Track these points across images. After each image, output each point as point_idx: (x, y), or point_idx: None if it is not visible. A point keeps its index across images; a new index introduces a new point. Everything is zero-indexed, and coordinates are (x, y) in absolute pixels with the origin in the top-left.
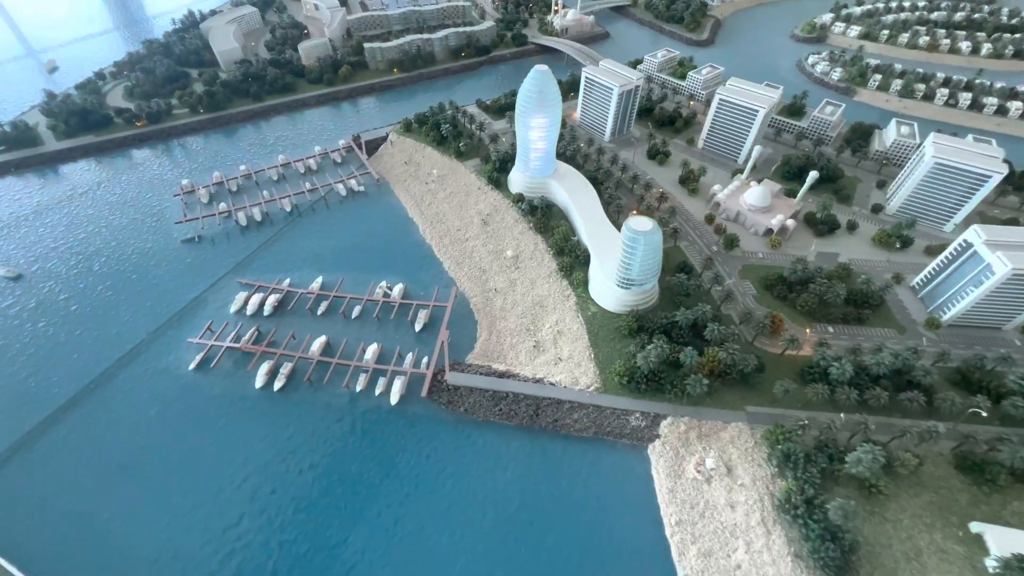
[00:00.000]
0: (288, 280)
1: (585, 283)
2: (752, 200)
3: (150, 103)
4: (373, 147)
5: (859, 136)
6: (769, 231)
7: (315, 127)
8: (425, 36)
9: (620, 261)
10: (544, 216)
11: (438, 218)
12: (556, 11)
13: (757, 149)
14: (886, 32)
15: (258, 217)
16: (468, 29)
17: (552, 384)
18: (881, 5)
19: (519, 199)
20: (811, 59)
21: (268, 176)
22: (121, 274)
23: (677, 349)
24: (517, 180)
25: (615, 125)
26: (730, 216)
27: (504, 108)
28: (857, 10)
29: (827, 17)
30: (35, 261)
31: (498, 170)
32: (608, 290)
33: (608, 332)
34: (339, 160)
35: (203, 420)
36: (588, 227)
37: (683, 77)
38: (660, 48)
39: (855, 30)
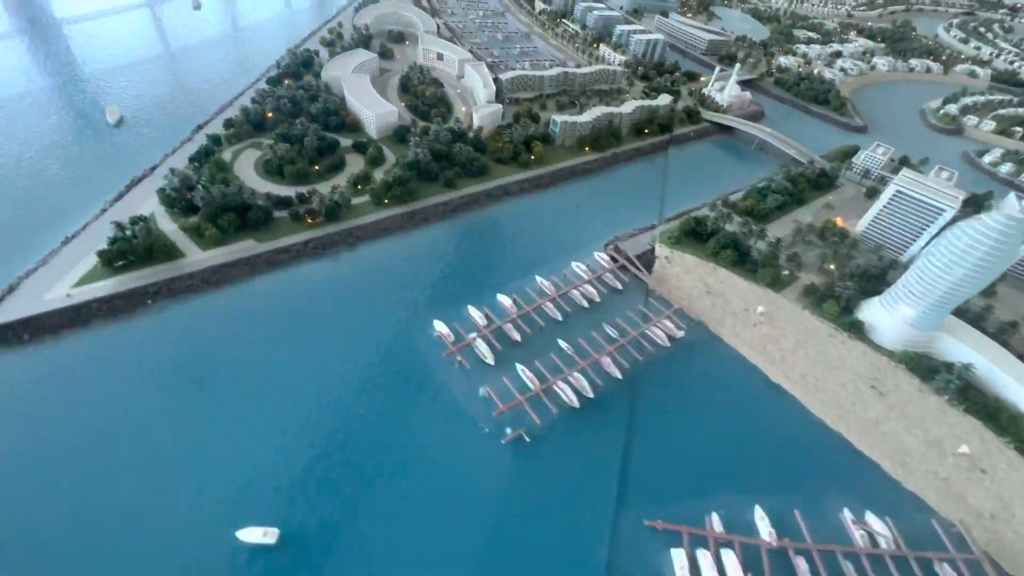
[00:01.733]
0: (716, 517)
1: None
2: None
3: (325, 193)
4: (642, 264)
5: None
6: None
7: (535, 227)
8: (614, 109)
9: None
10: (971, 391)
11: (811, 384)
12: (703, 82)
13: None
14: (1019, 129)
15: (589, 392)
16: (650, 103)
17: None
18: (982, 98)
19: (910, 359)
20: (987, 158)
21: (546, 313)
22: (459, 525)
23: None
24: (887, 327)
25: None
26: None
27: (764, 214)
28: (969, 100)
29: (952, 108)
30: (287, 503)
31: (844, 309)
32: None
33: None
34: (619, 286)
35: None
36: None
37: None
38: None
39: (989, 124)
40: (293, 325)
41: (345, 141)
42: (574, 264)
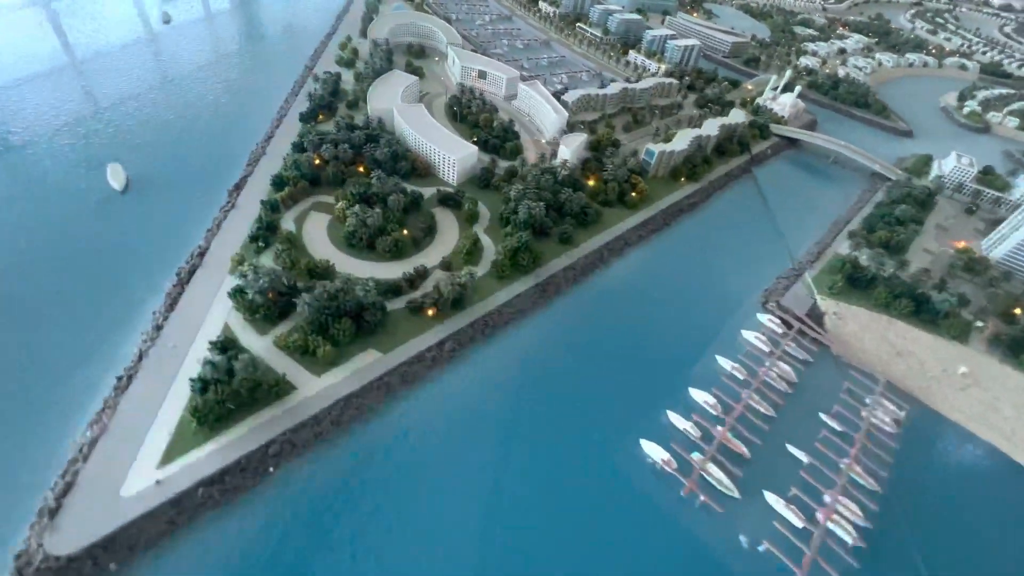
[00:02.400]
0: None
1: None
2: None
3: (430, 266)
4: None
5: None
6: None
7: (673, 285)
8: (701, 132)
9: None
10: None
11: None
12: (749, 90)
13: None
14: None
15: (864, 520)
16: (728, 121)
17: None
18: (994, 92)
19: None
20: None
21: (757, 409)
22: None
23: None
24: None
25: None
26: None
27: (900, 246)
28: (981, 95)
29: (973, 104)
30: None
31: None
32: None
33: None
34: (808, 357)
35: None
36: None
37: (1002, 188)
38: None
39: (1012, 121)
40: (460, 464)
41: (420, 189)
42: (745, 334)
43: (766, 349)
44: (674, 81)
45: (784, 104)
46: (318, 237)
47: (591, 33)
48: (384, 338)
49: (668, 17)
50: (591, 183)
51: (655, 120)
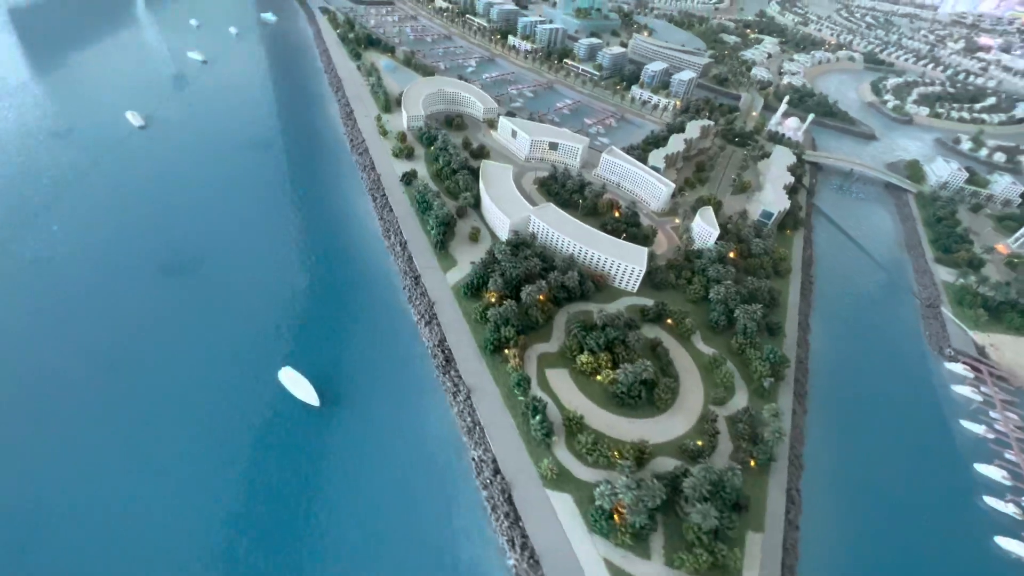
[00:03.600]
0: None
1: None
2: None
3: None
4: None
5: None
6: None
7: (856, 348)
8: (787, 180)
9: None
10: None
11: None
12: (754, 117)
13: None
14: (942, 110)
15: None
16: (790, 162)
17: None
18: (896, 81)
19: None
20: (965, 146)
21: None
22: None
23: None
24: None
25: None
26: None
27: (975, 264)
28: (889, 83)
29: (893, 99)
30: None
31: None
32: None
33: None
34: (1014, 398)
35: None
36: None
37: (984, 185)
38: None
39: (925, 110)
40: None
41: (611, 307)
42: (957, 389)
43: (979, 399)
44: (711, 123)
45: (793, 128)
46: (584, 406)
47: (584, 70)
48: (747, 513)
49: (631, 41)
50: (732, 256)
51: (718, 169)
